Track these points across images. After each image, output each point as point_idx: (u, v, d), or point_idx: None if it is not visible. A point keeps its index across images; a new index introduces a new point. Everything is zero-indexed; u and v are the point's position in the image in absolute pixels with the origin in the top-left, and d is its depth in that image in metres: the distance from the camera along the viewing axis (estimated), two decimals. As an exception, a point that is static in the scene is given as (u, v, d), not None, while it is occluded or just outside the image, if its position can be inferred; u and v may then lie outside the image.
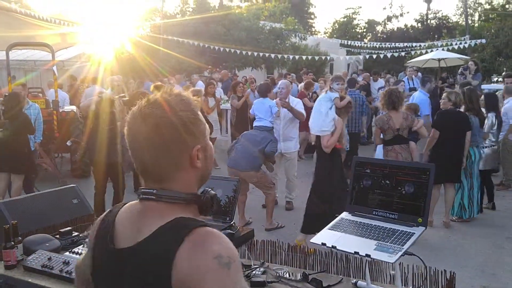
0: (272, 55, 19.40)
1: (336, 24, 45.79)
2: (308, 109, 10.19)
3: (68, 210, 3.50)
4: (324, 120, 5.53)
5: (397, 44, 24.75)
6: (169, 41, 19.35)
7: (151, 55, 19.76)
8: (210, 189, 1.32)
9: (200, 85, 11.26)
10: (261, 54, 18.86)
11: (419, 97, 8.00)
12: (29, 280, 2.57)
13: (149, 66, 19.07)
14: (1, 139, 6.11)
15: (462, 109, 6.42)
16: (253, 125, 6.65)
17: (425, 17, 43.92)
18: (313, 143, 6.22)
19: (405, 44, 24.69)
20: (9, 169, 6.33)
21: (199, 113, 1.29)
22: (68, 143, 6.59)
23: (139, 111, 1.24)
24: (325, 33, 47.58)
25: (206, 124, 1.33)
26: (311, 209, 5.57)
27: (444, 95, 6.59)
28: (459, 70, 11.88)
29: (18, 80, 9.68)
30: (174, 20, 21.52)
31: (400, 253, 2.10)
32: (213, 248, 1.09)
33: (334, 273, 2.66)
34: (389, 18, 46.41)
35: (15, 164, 6.32)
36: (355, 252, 2.18)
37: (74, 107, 9.64)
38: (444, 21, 42.88)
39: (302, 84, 11.74)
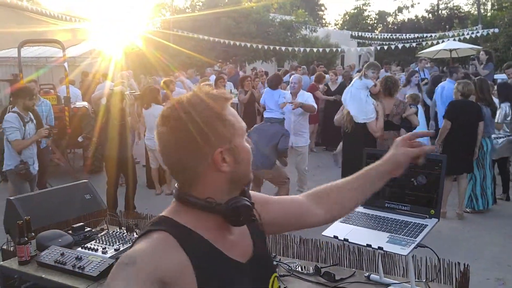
0: (283, 48, 19.31)
1: (346, 16, 45.48)
2: (319, 102, 10.19)
3: (81, 205, 3.52)
4: (366, 107, 5.87)
5: (408, 35, 24.51)
6: (179, 36, 19.35)
7: (161, 50, 19.80)
8: (243, 198, 1.25)
9: (212, 80, 11.23)
10: (271, 47, 18.78)
11: (449, 87, 7.90)
12: (43, 275, 2.60)
13: (159, 62, 19.11)
14: None
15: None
16: (264, 117, 6.58)
17: (436, 8, 43.42)
18: (346, 130, 6.16)
19: (416, 35, 24.44)
20: None
21: (226, 112, 1.22)
22: (80, 139, 6.61)
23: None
24: (335, 24, 47.32)
25: (239, 123, 1.24)
26: None
27: (454, 85, 6.54)
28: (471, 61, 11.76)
29: (29, 76, 9.68)
30: (185, 15, 21.49)
31: (413, 246, 2.08)
32: (133, 247, 1.15)
33: (346, 266, 2.65)
34: (400, 9, 45.99)
35: None
36: (367, 244, 2.16)
37: (86, 103, 9.68)
38: (456, 11, 42.35)
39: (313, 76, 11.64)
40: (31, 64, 18.83)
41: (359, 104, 5.93)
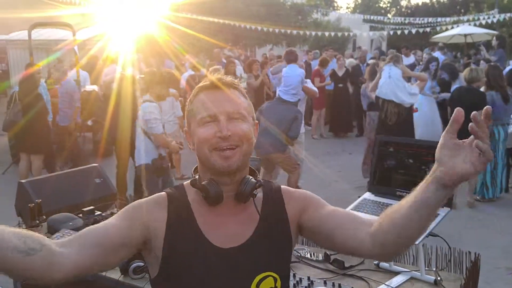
0: (294, 32, 19.13)
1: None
2: (322, 89, 10.09)
3: (91, 189, 3.53)
4: (411, 90, 6.20)
5: (422, 20, 24.16)
6: (187, 18, 19.22)
7: (170, 32, 19.70)
8: (214, 181, 1.32)
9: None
10: (282, 30, 18.62)
11: None
12: (54, 258, 2.62)
13: (169, 45, 19.03)
14: (19, 121, 6.17)
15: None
16: (278, 94, 6.34)
17: (451, -10, 42.63)
18: (389, 122, 6.19)
19: (430, 19, 24.06)
20: (28, 149, 6.41)
21: (195, 99, 1.38)
22: (89, 122, 6.64)
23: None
24: (347, 8, 46.75)
25: (200, 111, 1.34)
26: None
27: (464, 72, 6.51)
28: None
29: (40, 60, 9.68)
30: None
31: (424, 234, 2.06)
32: None
33: (355, 254, 2.63)
34: (413, -8, 45.23)
35: (33, 145, 6.40)
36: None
37: (95, 87, 9.70)
38: (471, -5, 41.56)
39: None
40: (41, 47, 18.91)
41: (403, 90, 6.06)
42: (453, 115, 1.10)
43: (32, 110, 6.23)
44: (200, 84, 1.39)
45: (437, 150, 1.13)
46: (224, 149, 1.29)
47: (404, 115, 6.12)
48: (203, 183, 1.32)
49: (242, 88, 1.41)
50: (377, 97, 6.38)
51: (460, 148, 1.10)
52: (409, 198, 1.19)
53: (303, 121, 6.27)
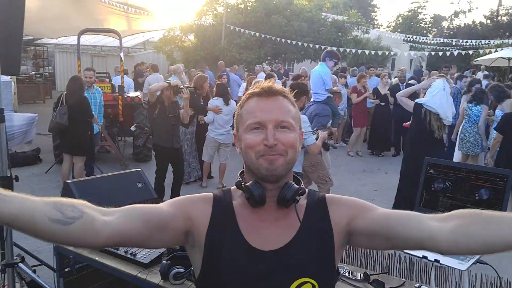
0: (334, 48, 19.07)
1: (399, 18, 44.48)
2: (364, 107, 10.04)
3: (133, 193, 3.59)
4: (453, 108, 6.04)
5: (464, 42, 23.72)
6: (230, 30, 19.47)
7: (212, 44, 19.98)
8: (259, 184, 1.34)
9: (261, 77, 11.27)
10: (322, 46, 18.62)
11: None
12: (96, 258, 2.68)
13: (211, 56, 19.31)
14: (65, 123, 6.33)
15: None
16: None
17: (495, 13, 41.77)
18: (437, 137, 5.99)
19: (473, 41, 23.60)
20: (72, 150, 6.58)
21: (246, 105, 1.40)
22: (132, 128, 6.77)
23: None
24: (387, 26, 46.39)
25: (248, 117, 1.36)
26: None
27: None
28: None
29: (85, 65, 9.97)
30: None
31: (472, 261, 2.02)
32: None
33: (396, 276, 2.60)
34: (456, 14, 44.59)
35: (77, 146, 6.56)
36: (423, 256, 2.12)
37: (138, 93, 9.92)
38: (517, 18, 40.63)
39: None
40: (86, 52, 19.50)
41: (451, 107, 5.92)
42: None
43: (77, 113, 6.40)
44: (251, 90, 1.41)
45: None
46: (270, 155, 1.31)
47: (442, 133, 5.95)
48: (247, 184, 1.35)
49: (292, 97, 1.42)
50: (418, 105, 6.00)
51: None
52: None
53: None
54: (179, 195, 5.74)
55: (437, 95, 5.76)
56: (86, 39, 16.63)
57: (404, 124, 7.36)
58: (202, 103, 7.32)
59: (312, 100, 6.38)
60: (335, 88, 6.37)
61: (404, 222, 1.30)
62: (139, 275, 2.50)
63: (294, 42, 18.60)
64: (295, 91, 4.86)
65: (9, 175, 3.28)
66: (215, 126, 7.14)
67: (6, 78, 8.63)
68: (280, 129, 1.33)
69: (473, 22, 42.31)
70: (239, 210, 1.38)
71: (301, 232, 1.35)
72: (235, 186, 1.42)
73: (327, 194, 1.46)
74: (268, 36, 18.73)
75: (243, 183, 1.38)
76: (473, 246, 1.20)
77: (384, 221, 1.32)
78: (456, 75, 10.60)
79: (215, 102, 7.17)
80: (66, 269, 3.04)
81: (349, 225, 1.36)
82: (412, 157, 5.86)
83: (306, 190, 1.42)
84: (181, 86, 6.15)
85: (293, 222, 1.35)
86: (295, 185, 1.36)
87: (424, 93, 6.11)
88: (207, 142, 7.30)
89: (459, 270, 2.13)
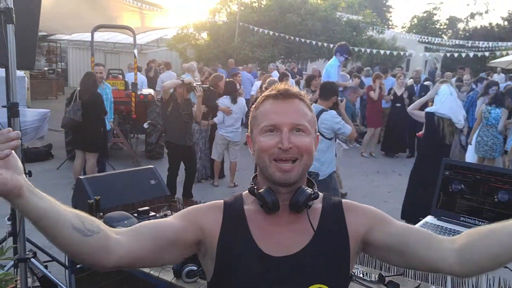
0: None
1: (415, 19, 44.15)
2: (378, 108, 9.97)
3: (146, 190, 3.60)
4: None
5: (480, 43, 23.44)
6: (243, 28, 19.46)
7: (226, 42, 19.97)
8: (271, 191, 1.31)
9: (275, 76, 11.24)
10: (336, 45, 18.52)
11: None
12: (108, 255, 2.66)
13: (223, 54, 19.30)
14: (79, 119, 6.36)
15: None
16: None
17: (513, 15, 41.26)
18: (448, 143, 5.91)
19: (489, 43, 23.31)
20: (84, 147, 6.60)
21: (261, 107, 1.37)
22: (145, 125, 6.74)
23: None
24: (402, 27, 46.05)
25: (263, 119, 1.33)
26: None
27: None
28: None
29: (98, 61, 10.00)
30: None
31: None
32: None
33: (411, 278, 2.55)
34: (472, 15, 44.04)
35: (89, 143, 6.58)
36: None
37: (151, 90, 9.93)
38: (535, 19, 40.05)
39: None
40: (98, 48, 19.60)
41: (461, 110, 5.92)
42: None
43: (91, 109, 6.42)
44: (266, 92, 1.39)
45: None
46: (284, 160, 1.28)
47: (454, 137, 5.94)
48: (260, 191, 1.32)
49: (308, 100, 1.39)
50: (429, 114, 5.90)
51: None
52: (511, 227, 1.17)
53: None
54: (191, 193, 5.76)
55: (446, 101, 5.74)
56: (99, 36, 16.67)
57: (417, 134, 7.30)
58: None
59: None
60: (340, 82, 6.34)
61: (422, 242, 1.29)
62: (151, 272, 2.49)
63: (308, 41, 18.50)
64: (325, 90, 4.80)
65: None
66: (225, 124, 7.14)
67: (20, 73, 8.68)
68: (296, 133, 1.30)
69: (490, 23, 41.79)
70: (251, 215, 1.36)
71: (316, 238, 1.32)
72: (247, 191, 1.40)
73: (343, 200, 1.43)
74: (282, 35, 18.65)
75: (256, 189, 1.36)
76: (481, 262, 1.19)
77: (402, 238, 1.31)
78: (470, 79, 10.43)
79: (223, 101, 7.14)
80: (78, 266, 3.04)
81: (365, 234, 1.34)
82: (423, 162, 5.84)
83: (321, 194, 1.40)
84: (195, 84, 6.13)
85: (307, 227, 1.32)
86: (308, 190, 1.32)
87: (432, 101, 6.03)
88: (216, 139, 7.30)
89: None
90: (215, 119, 7.12)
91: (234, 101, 7.13)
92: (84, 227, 1.14)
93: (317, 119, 4.60)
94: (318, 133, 1.42)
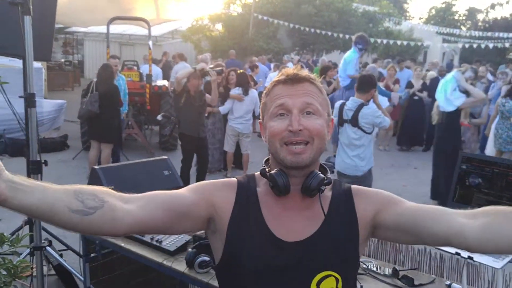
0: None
1: (433, 10, 43.51)
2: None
3: (159, 181, 3.60)
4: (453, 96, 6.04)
5: (500, 34, 23.01)
6: (258, 20, 19.36)
7: (240, 34, 19.92)
8: (283, 172, 1.30)
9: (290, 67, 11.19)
10: (352, 37, 18.35)
11: None
12: (122, 244, 2.69)
13: (238, 45, 19.24)
14: (95, 111, 6.41)
15: None
16: None
17: (534, 6, 40.39)
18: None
19: (510, 34, 22.87)
20: (100, 137, 6.66)
21: (271, 93, 1.36)
22: (159, 117, 6.73)
23: None
24: (420, 18, 45.44)
25: (272, 105, 1.32)
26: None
27: None
28: None
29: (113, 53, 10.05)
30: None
31: (507, 259, 1.94)
32: None
33: (426, 272, 2.53)
34: (492, 6, 43.15)
35: (105, 134, 6.63)
36: (456, 252, 2.05)
37: (166, 82, 9.95)
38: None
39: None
40: (114, 40, 19.71)
41: (445, 94, 6.04)
42: None
43: (107, 100, 6.47)
44: (276, 78, 1.37)
45: None
46: (294, 143, 1.26)
47: (444, 121, 6.03)
48: (271, 172, 1.30)
49: (319, 83, 1.37)
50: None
51: None
52: None
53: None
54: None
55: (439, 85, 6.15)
56: (114, 28, 16.71)
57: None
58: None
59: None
60: (355, 75, 6.28)
61: (432, 217, 1.25)
62: (164, 262, 2.49)
63: (323, 32, 18.36)
64: (364, 83, 4.73)
65: (38, 159, 3.31)
66: (234, 115, 7.14)
67: (38, 64, 8.76)
68: (306, 115, 1.28)
69: (511, 14, 40.99)
70: (263, 198, 1.34)
71: (325, 224, 1.30)
72: (259, 173, 1.38)
73: (353, 186, 1.41)
74: (297, 26, 18.52)
75: (267, 170, 1.34)
76: (500, 243, 1.15)
77: (411, 216, 1.28)
78: (486, 71, 10.28)
79: (235, 91, 7.13)
80: (92, 255, 3.06)
81: (375, 218, 1.32)
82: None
83: (332, 180, 1.37)
84: (207, 69, 6.09)
85: (318, 213, 1.30)
86: (320, 174, 1.30)
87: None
88: (227, 131, 7.32)
89: (493, 268, 2.05)
90: (220, 108, 7.11)
91: (245, 92, 7.11)
92: (84, 206, 1.11)
93: (358, 113, 4.53)
94: (332, 117, 1.39)
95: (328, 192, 1.36)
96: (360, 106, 4.58)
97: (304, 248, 1.27)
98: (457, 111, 5.94)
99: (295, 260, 1.26)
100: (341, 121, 4.68)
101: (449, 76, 6.07)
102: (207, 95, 6.18)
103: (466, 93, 5.95)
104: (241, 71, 7.86)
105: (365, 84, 4.73)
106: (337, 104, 4.84)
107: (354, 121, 4.56)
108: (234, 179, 1.40)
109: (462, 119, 6.05)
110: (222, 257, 1.32)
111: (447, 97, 5.90)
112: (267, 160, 1.41)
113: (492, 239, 1.16)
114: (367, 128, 4.60)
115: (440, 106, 6.09)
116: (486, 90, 8.90)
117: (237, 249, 1.29)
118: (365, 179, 4.67)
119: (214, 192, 1.33)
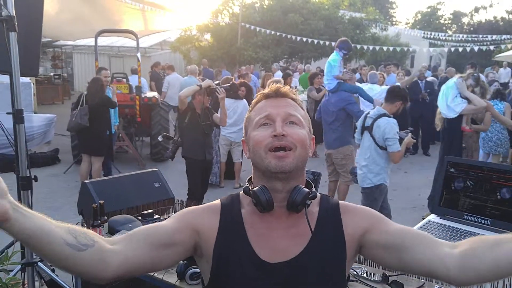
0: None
1: (418, 15, 44.00)
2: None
3: (150, 193, 3.61)
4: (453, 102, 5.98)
5: (484, 37, 23.30)
6: (246, 30, 19.46)
7: (229, 43, 19.99)
8: (265, 189, 1.30)
9: (278, 76, 11.25)
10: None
11: None
12: (113, 258, 2.68)
13: (227, 55, 19.31)
14: (85, 124, 6.40)
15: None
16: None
17: (518, 8, 40.96)
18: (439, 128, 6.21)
19: (494, 37, 23.16)
20: (90, 151, 6.64)
21: (254, 107, 1.40)
22: (160, 138, 6.46)
23: None
24: (406, 23, 45.89)
25: (256, 115, 1.35)
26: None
27: None
28: None
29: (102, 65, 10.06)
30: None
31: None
32: None
33: (415, 277, 2.55)
34: (476, 9, 43.75)
35: (95, 147, 6.62)
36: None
37: (155, 93, 9.96)
38: (540, 13, 39.76)
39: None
40: (103, 52, 19.69)
41: (445, 100, 6.04)
42: None
43: (97, 113, 6.47)
44: (259, 94, 1.42)
45: None
46: (278, 147, 1.27)
47: (446, 127, 6.07)
48: (254, 189, 1.31)
49: (299, 100, 1.42)
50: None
51: None
52: None
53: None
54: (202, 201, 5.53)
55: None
56: (103, 40, 16.72)
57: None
58: None
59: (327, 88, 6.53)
60: (342, 75, 6.31)
61: (421, 240, 1.27)
62: (155, 275, 2.50)
63: (310, 40, 18.49)
64: (391, 94, 4.58)
65: (28, 175, 3.31)
66: (232, 125, 7.12)
67: (26, 79, 8.74)
68: (289, 124, 1.31)
69: (495, 17, 41.53)
70: (248, 218, 1.34)
71: (312, 242, 1.30)
72: (243, 192, 1.38)
73: (341, 202, 1.41)
74: (284, 35, 18.64)
75: (250, 188, 1.34)
76: (481, 268, 1.16)
77: (399, 236, 1.29)
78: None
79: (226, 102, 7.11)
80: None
81: (362, 236, 1.32)
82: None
83: (318, 194, 1.38)
84: (214, 85, 5.50)
85: (304, 231, 1.30)
86: (304, 189, 1.30)
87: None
88: (220, 141, 7.31)
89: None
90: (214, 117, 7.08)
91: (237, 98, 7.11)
92: (77, 241, 1.12)
93: (374, 122, 4.40)
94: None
95: (315, 208, 1.36)
96: (379, 116, 4.45)
97: (290, 268, 1.27)
98: (459, 117, 5.98)
99: (282, 280, 1.26)
100: (363, 128, 4.62)
101: (450, 82, 6.10)
102: (215, 114, 5.58)
103: (468, 99, 6.00)
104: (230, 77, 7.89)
105: (391, 95, 4.55)
106: (364, 113, 4.82)
107: (370, 129, 4.48)
108: (218, 202, 1.41)
109: (464, 124, 6.09)
110: (209, 280, 1.33)
111: (448, 104, 5.96)
112: (250, 178, 1.41)
113: (472, 266, 1.17)
114: (378, 140, 4.44)
115: (442, 112, 6.11)
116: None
117: (223, 273, 1.29)
118: (371, 193, 4.57)
119: (197, 218, 1.34)
